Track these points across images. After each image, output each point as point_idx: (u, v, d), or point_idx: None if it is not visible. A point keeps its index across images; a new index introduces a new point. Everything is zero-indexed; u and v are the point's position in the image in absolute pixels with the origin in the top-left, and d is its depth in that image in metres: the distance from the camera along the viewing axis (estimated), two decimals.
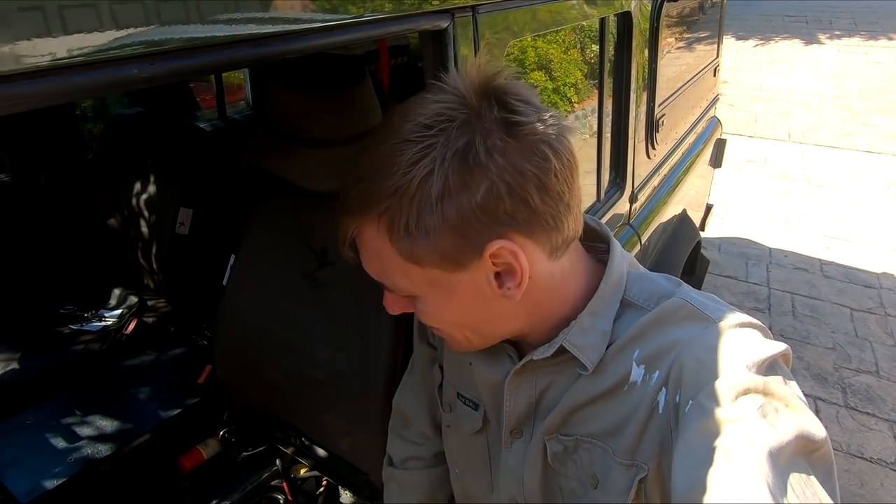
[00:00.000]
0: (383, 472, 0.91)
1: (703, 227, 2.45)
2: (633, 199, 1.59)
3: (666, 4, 1.58)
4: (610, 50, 1.36)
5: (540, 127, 0.49)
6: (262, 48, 0.54)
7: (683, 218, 2.07)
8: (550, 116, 0.50)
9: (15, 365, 1.42)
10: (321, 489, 1.24)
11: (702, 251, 2.40)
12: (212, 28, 0.50)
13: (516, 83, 0.51)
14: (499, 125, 0.48)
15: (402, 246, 0.50)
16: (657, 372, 0.53)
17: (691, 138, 2.14)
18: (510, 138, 0.48)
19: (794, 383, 0.49)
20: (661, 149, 1.76)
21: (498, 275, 0.52)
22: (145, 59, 0.46)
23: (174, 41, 0.47)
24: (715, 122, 2.50)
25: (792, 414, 0.46)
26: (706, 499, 0.43)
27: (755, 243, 3.49)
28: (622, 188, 1.52)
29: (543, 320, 0.58)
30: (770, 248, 3.42)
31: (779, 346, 0.51)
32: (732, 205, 3.89)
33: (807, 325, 2.76)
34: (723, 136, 2.51)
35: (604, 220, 1.43)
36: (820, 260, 3.30)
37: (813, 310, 2.87)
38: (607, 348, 0.56)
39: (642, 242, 1.62)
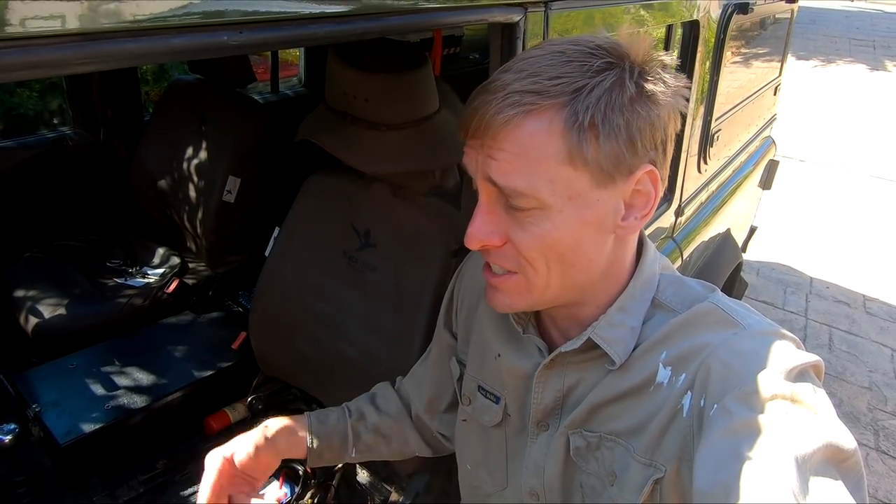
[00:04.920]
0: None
1: (744, 249, 2.38)
2: (679, 213, 1.56)
3: (735, 16, 1.53)
4: (673, 57, 1.33)
5: (679, 96, 0.54)
6: (344, 25, 0.55)
7: (727, 237, 2.01)
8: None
9: (62, 311, 1.48)
10: (339, 465, 1.26)
11: (741, 274, 2.33)
12: (299, 4, 0.51)
13: None
14: (657, 72, 0.52)
15: (572, 141, 0.49)
16: (684, 374, 0.53)
17: (743, 157, 2.08)
18: (671, 85, 0.52)
19: (823, 393, 0.49)
20: (713, 164, 1.72)
21: (627, 206, 0.54)
22: (236, 27, 0.47)
23: (264, 13, 0.49)
24: (769, 143, 2.42)
25: (820, 422, 0.46)
26: (728, 499, 0.42)
27: (796, 271, 3.38)
28: (669, 200, 1.49)
29: (587, 295, 0.58)
30: (811, 278, 3.31)
31: (809, 357, 0.50)
32: (776, 228, 3.78)
33: (843, 361, 2.67)
34: (775, 158, 2.43)
35: (648, 232, 1.41)
36: (864, 295, 3.17)
37: (851, 346, 2.77)
38: (636, 347, 0.57)
39: (684, 258, 1.59)
